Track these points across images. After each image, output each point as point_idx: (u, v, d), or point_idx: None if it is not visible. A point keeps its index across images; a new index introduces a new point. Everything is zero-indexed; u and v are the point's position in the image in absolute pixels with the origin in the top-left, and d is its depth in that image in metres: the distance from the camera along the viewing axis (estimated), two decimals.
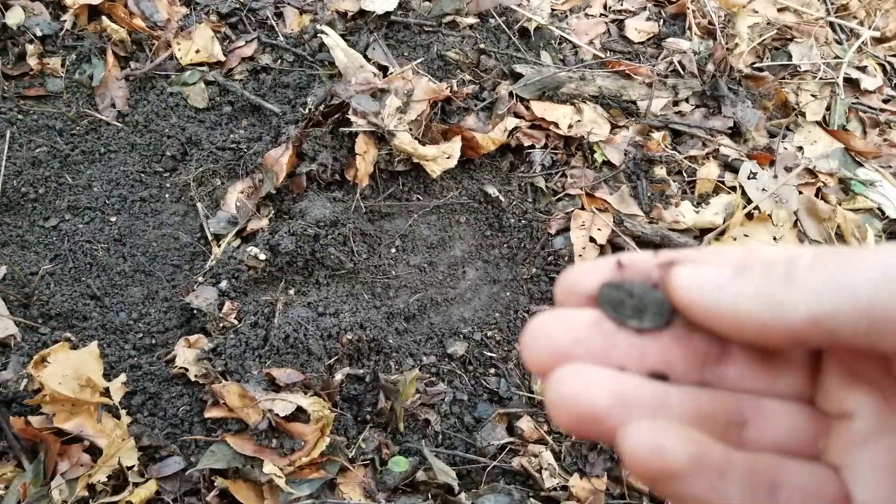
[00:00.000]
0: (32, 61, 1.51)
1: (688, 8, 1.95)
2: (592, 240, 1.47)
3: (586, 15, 1.89)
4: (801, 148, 1.76)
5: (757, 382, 0.27)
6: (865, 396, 0.25)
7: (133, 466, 1.09)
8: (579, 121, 1.61)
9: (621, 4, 1.97)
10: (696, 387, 0.26)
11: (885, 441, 0.25)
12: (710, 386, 0.27)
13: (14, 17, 1.52)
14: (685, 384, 0.26)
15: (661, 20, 1.95)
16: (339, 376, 1.23)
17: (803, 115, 1.81)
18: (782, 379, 0.27)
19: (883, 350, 0.22)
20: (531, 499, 1.19)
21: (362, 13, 1.63)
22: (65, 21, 1.56)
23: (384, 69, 1.55)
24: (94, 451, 1.10)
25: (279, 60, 1.62)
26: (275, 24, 1.67)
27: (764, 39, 1.93)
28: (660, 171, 1.61)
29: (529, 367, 0.27)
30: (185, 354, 1.21)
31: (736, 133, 1.73)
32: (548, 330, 0.27)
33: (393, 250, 1.45)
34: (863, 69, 1.96)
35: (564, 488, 1.22)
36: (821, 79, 1.88)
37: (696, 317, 0.26)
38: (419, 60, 1.58)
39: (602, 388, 0.25)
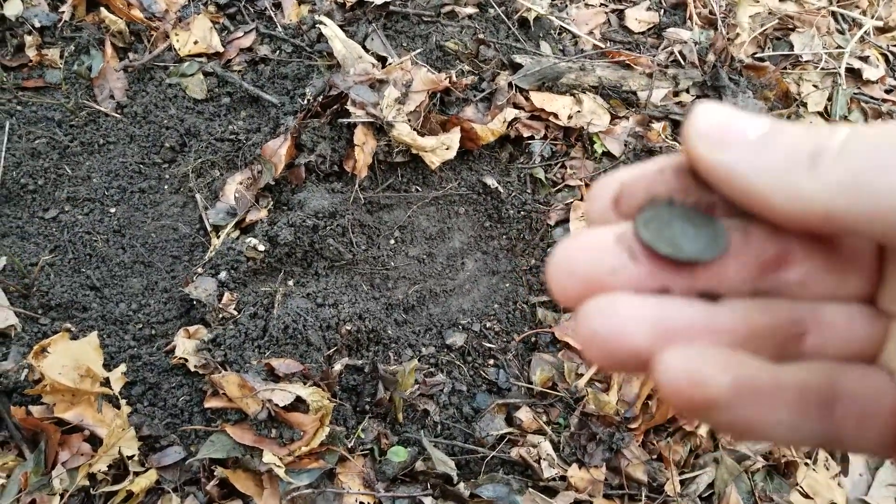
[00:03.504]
0: (31, 52, 1.51)
1: None
2: None
3: (586, 5, 1.88)
4: None
5: (821, 286, 0.24)
6: None
7: (133, 456, 1.10)
8: (579, 111, 1.60)
9: None
10: (749, 300, 0.24)
11: None
12: (766, 295, 0.24)
13: (12, 8, 1.51)
14: (737, 298, 0.24)
15: (662, 10, 1.94)
16: (338, 367, 1.23)
17: (805, 105, 1.81)
18: (849, 279, 0.24)
19: None
20: (530, 489, 1.20)
21: (361, 3, 1.62)
22: (63, 12, 1.56)
23: (383, 60, 1.55)
24: (95, 441, 1.11)
25: (278, 51, 1.62)
26: (273, 15, 1.67)
27: (765, 29, 1.92)
28: None
29: (559, 302, 0.24)
30: (185, 345, 1.22)
31: None
32: (575, 258, 0.23)
33: (392, 241, 1.45)
34: (865, 59, 1.95)
35: (563, 478, 1.22)
36: (822, 69, 1.87)
37: (702, 172, 0.23)
38: (418, 51, 1.57)
39: (641, 320, 0.22)
